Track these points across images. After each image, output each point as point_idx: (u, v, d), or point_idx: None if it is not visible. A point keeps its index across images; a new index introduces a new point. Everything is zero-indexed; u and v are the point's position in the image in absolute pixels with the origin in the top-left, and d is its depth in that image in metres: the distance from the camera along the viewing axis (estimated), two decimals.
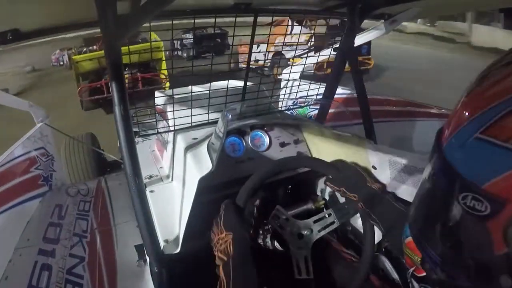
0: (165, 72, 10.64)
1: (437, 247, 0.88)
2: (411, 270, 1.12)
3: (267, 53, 10.73)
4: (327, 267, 1.92)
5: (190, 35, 17.31)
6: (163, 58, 11.93)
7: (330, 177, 1.87)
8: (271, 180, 2.05)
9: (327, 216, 1.87)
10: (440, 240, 0.87)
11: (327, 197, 2.30)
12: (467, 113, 0.78)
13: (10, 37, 1.66)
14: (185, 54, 16.61)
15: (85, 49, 13.17)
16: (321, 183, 2.39)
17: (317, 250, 1.81)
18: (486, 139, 0.71)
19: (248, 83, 2.35)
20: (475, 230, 0.77)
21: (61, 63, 25.44)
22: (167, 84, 11.23)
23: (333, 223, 1.85)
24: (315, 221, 1.84)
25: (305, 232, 1.81)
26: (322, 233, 1.83)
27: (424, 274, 1.05)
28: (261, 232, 1.90)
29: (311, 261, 1.76)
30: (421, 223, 0.96)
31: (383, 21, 2.55)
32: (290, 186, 2.31)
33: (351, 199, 1.76)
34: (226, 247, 1.49)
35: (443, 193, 0.83)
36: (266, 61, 11.96)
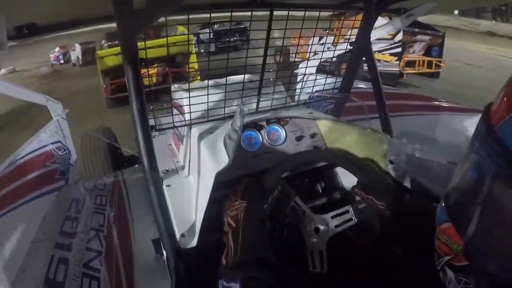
0: (195, 66, 9.38)
1: (486, 234, 0.85)
2: (447, 258, 1.07)
3: (334, 46, 9.82)
4: (342, 263, 1.92)
5: (218, 28, 17.32)
6: (193, 51, 11.41)
7: (359, 183, 1.86)
8: (290, 173, 2.05)
9: (345, 212, 1.85)
10: (491, 226, 0.84)
11: (346, 193, 2.29)
12: None
13: (26, 31, 1.67)
14: (202, 49, 16.08)
15: (108, 43, 12.79)
16: (339, 177, 2.38)
17: (332, 245, 1.80)
18: None
19: (265, 77, 2.35)
20: None
21: (61, 61, 25.32)
22: (198, 78, 9.80)
23: (350, 219, 1.84)
24: (332, 217, 1.83)
25: (322, 227, 1.80)
26: (339, 229, 1.82)
27: (463, 263, 0.96)
28: (277, 223, 1.90)
29: (326, 256, 1.75)
30: (466, 208, 0.91)
31: (399, 15, 2.54)
32: (307, 180, 2.31)
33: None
34: (238, 213, 1.50)
35: (496, 175, 0.79)
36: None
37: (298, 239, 1.82)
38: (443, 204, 1.02)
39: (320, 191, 2.31)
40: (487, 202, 0.82)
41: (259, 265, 1.37)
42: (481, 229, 0.85)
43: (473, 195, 0.88)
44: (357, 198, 1.87)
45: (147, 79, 1.90)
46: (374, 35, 2.53)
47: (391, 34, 9.71)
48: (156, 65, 10.60)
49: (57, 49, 24.96)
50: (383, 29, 2.79)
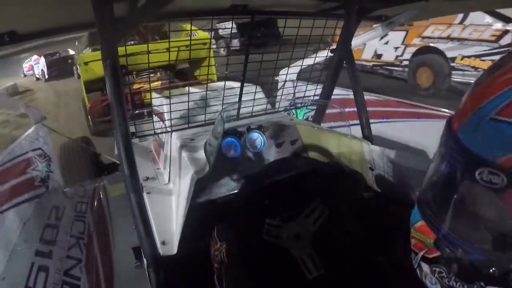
0: (213, 70, 7.82)
1: (453, 225, 0.93)
2: (421, 253, 1.12)
3: (404, 47, 9.38)
4: (334, 258, 1.92)
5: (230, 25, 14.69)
6: (211, 55, 7.93)
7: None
8: (256, 189, 2.05)
9: (316, 207, 1.88)
10: (457, 217, 0.92)
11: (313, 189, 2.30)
12: (480, 98, 0.84)
13: (7, 39, 1.66)
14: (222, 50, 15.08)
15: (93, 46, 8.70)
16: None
17: (320, 243, 1.82)
18: (501, 119, 0.77)
19: (245, 84, 2.35)
20: (492, 203, 0.83)
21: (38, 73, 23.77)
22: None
23: (324, 212, 1.86)
24: (305, 216, 1.85)
25: (300, 231, 1.82)
26: (317, 225, 1.84)
27: (436, 254, 1.05)
28: (260, 245, 1.90)
29: (316, 256, 1.77)
30: (436, 205, 1.00)
31: (380, 23, 2.56)
32: (278, 189, 2.32)
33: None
34: (221, 256, 1.51)
35: (458, 172, 0.88)
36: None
37: (286, 255, 1.83)
38: (416, 205, 1.10)
39: (288, 198, 2.33)
40: (453, 196, 0.91)
41: None
42: (450, 221, 0.93)
43: (441, 191, 0.99)
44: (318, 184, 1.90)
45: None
46: (354, 42, 2.54)
47: (494, 36, 7.80)
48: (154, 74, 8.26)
49: (34, 57, 23.97)
50: (363, 36, 2.81)
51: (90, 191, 2.90)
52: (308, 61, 3.03)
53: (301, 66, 3.33)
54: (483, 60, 8.03)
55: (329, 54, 2.53)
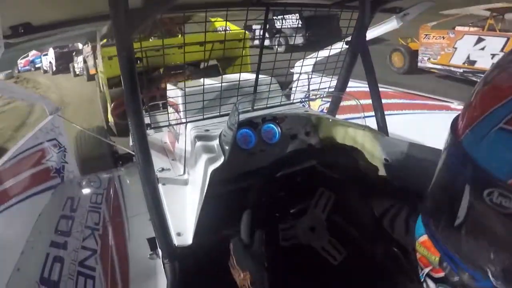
0: (248, 68, 6.00)
1: (458, 246, 0.83)
2: (427, 269, 1.07)
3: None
4: (351, 238, 1.92)
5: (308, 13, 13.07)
6: (248, 53, 7.16)
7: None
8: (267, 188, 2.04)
9: (321, 194, 1.87)
10: (462, 239, 0.82)
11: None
12: (487, 103, 0.74)
13: (22, 31, 1.67)
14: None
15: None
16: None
17: (334, 228, 1.84)
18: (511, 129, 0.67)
19: (260, 76, 2.35)
20: (502, 228, 0.72)
21: (35, 66, 23.74)
22: None
23: (330, 197, 1.85)
24: (314, 207, 1.85)
25: (314, 223, 1.81)
26: (326, 211, 1.84)
27: (441, 274, 0.97)
28: (281, 253, 1.89)
29: (335, 240, 1.78)
30: (440, 221, 0.90)
31: (394, 15, 2.54)
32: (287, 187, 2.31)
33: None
34: (247, 285, 1.50)
35: (464, 189, 0.77)
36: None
37: (308, 251, 1.83)
38: (420, 217, 1.02)
39: (299, 190, 2.32)
40: (458, 216, 0.81)
41: None
42: (455, 242, 0.84)
43: (445, 208, 0.88)
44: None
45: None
46: (369, 34, 2.53)
47: None
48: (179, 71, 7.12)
49: (32, 52, 23.70)
50: (378, 28, 2.79)
51: (105, 182, 2.91)
52: (323, 53, 3.02)
53: (316, 58, 3.31)
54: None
55: (344, 46, 2.52)
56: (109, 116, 7.21)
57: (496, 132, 0.69)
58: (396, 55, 12.75)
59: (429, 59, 11.16)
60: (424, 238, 1.00)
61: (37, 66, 24.65)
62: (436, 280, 1.00)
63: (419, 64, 11.67)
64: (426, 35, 11.09)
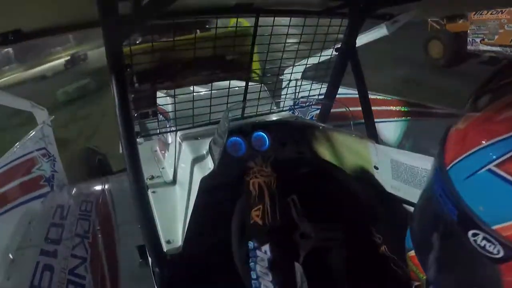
0: (257, 66, 4.40)
1: (442, 274, 0.82)
2: (416, 284, 1.05)
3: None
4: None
5: None
6: (255, 50, 3.66)
7: None
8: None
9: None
10: (447, 272, 0.81)
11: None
12: (479, 135, 0.70)
13: (12, 38, 1.67)
14: None
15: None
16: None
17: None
18: (502, 175, 0.64)
19: (250, 84, 2.35)
20: (484, 270, 0.70)
21: None
22: None
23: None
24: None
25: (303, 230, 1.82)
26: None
27: None
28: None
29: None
30: (426, 246, 0.87)
31: (385, 21, 2.56)
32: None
33: None
34: (270, 181, 1.62)
35: (449, 222, 0.75)
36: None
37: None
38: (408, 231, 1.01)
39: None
40: (442, 249, 0.81)
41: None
42: (438, 268, 0.83)
43: (428, 234, 0.86)
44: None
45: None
46: (359, 41, 2.54)
47: None
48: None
49: None
50: (368, 35, 2.80)
51: (95, 190, 2.90)
52: (313, 60, 3.03)
53: (306, 65, 3.32)
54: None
55: (334, 53, 2.53)
56: None
57: (485, 174, 0.67)
58: (434, 43, 10.77)
59: (482, 40, 9.22)
60: (413, 253, 0.99)
61: None
62: None
63: (468, 47, 9.70)
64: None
